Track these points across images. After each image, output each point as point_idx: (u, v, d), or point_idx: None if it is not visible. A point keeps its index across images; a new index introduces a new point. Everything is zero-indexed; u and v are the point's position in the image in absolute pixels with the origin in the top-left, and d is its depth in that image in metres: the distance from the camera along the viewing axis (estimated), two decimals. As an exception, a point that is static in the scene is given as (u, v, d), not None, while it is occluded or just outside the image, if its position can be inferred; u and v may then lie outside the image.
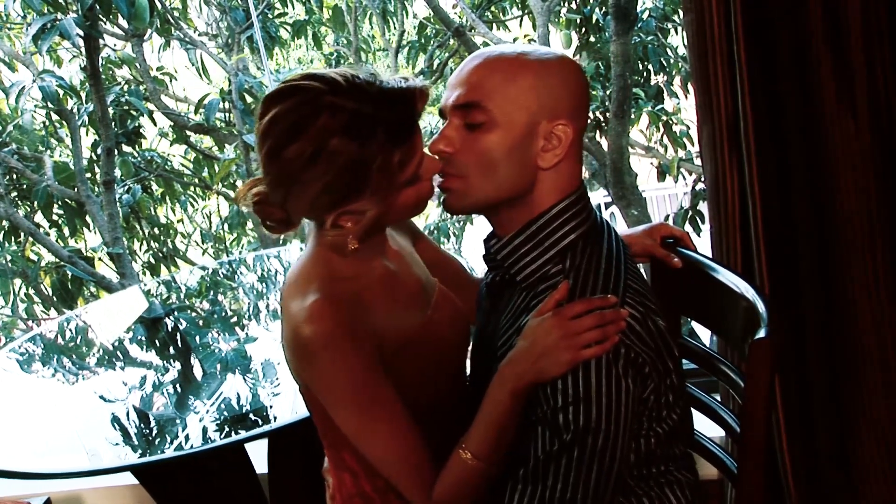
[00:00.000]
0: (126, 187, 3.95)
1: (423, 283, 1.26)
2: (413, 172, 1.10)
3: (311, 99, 1.06)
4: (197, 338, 2.33)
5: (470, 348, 1.31)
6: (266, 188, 1.12)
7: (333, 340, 1.07)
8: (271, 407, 1.78)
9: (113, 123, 3.69)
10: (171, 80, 4.25)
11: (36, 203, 3.78)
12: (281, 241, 3.05)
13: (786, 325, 1.70)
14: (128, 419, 1.83)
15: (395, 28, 4.61)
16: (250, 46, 4.06)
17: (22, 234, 3.89)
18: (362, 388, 1.09)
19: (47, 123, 4.09)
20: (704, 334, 2.43)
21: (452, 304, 1.28)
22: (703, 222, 3.39)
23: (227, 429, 1.70)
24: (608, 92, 3.67)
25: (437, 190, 1.16)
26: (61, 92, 3.50)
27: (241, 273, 2.94)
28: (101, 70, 3.58)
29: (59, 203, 3.86)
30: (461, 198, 1.13)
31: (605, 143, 3.70)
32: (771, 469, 1.78)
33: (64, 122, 3.88)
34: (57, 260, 3.79)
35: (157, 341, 2.33)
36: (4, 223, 3.86)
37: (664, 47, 3.83)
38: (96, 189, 3.82)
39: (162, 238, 4.35)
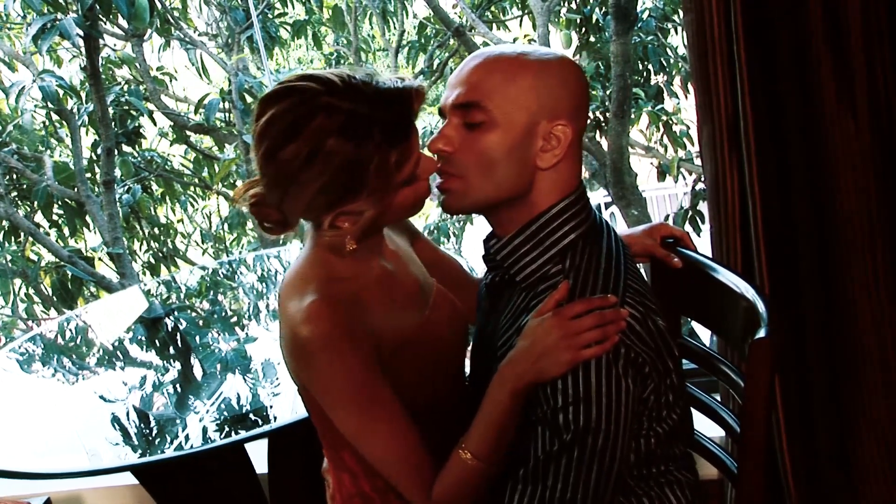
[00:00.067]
0: (126, 187, 3.95)
1: (420, 283, 1.27)
2: (410, 172, 1.11)
3: (308, 100, 1.06)
4: (197, 338, 2.33)
5: (470, 348, 1.31)
6: (263, 189, 1.12)
7: (331, 341, 1.07)
8: (271, 407, 1.78)
9: (113, 123, 3.69)
10: (171, 80, 4.25)
11: (36, 203, 3.78)
12: (281, 241, 3.05)
13: (786, 325, 1.71)
14: (128, 419, 1.83)
15: (395, 28, 4.61)
16: (250, 46, 4.06)
17: (22, 234, 3.89)
18: (361, 389, 1.09)
19: (47, 123, 4.09)
20: (704, 334, 2.43)
21: (451, 304, 1.28)
22: (703, 222, 3.39)
23: (227, 429, 1.70)
24: (608, 92, 3.67)
25: (436, 190, 1.16)
26: (61, 92, 3.50)
27: (241, 273, 2.94)
28: (101, 70, 3.58)
29: (59, 203, 3.86)
30: (460, 198, 1.13)
31: (605, 143, 3.70)
32: (771, 469, 1.78)
33: (64, 122, 3.88)
34: (57, 260, 3.79)
35: (157, 341, 2.33)
36: (4, 223, 3.86)
37: (664, 47, 3.83)
38: (96, 189, 3.82)
39: (162, 238, 4.35)
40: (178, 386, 2.04)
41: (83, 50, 3.44)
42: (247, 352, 2.10)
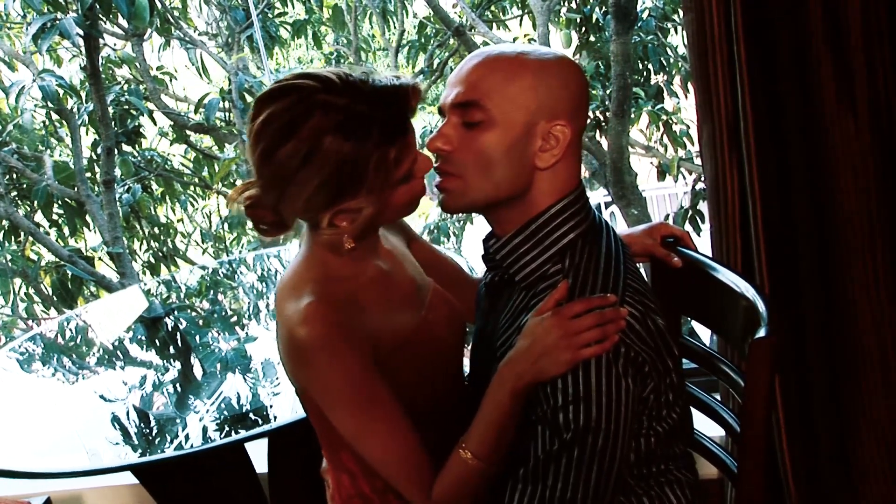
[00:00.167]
0: (126, 187, 3.95)
1: (417, 283, 1.26)
2: (408, 170, 1.11)
3: (305, 98, 1.06)
4: (197, 337, 2.33)
5: (469, 348, 1.31)
6: (258, 191, 1.12)
7: (329, 342, 1.07)
8: (271, 406, 1.78)
9: (113, 123, 3.69)
10: (171, 80, 4.24)
11: (36, 202, 3.78)
12: (281, 241, 3.05)
13: (786, 325, 1.71)
14: (128, 419, 1.83)
15: (395, 27, 4.61)
16: (250, 46, 4.06)
17: (22, 233, 3.89)
18: (359, 389, 1.08)
19: (47, 123, 4.09)
20: (704, 333, 2.43)
21: (448, 304, 1.28)
22: (703, 222, 3.39)
23: (227, 428, 1.70)
24: (608, 91, 3.67)
25: (435, 189, 1.16)
26: (61, 91, 3.49)
27: (241, 272, 2.94)
28: (101, 69, 3.58)
29: (59, 202, 3.86)
30: (458, 197, 1.13)
31: (605, 143, 3.70)
32: (771, 469, 1.78)
33: (64, 122, 3.88)
34: (57, 259, 3.79)
35: (157, 341, 2.33)
36: (4, 223, 3.86)
37: (664, 47, 3.83)
38: (96, 188, 3.82)
39: (162, 237, 4.35)
40: (178, 385, 2.04)
41: (83, 49, 3.43)
42: (247, 351, 2.10)
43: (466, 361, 1.32)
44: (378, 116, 1.06)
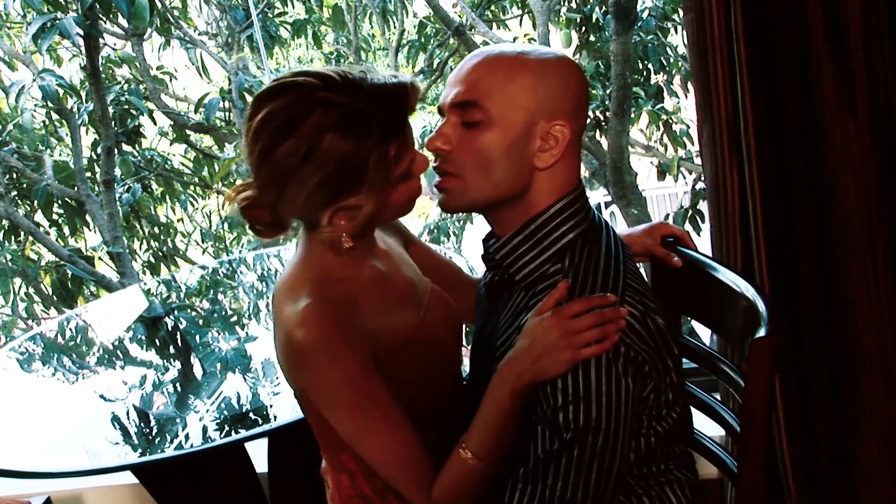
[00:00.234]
0: (126, 186, 3.95)
1: (414, 284, 1.26)
2: (407, 168, 1.11)
3: (305, 95, 1.06)
4: (197, 337, 2.33)
5: (469, 349, 1.31)
6: (256, 191, 1.11)
7: (327, 343, 1.07)
8: (271, 406, 1.78)
9: (113, 123, 3.69)
10: (171, 80, 4.24)
11: (36, 202, 3.78)
12: (281, 241, 3.05)
13: (786, 325, 1.71)
14: (128, 418, 1.83)
15: (395, 27, 4.61)
16: (250, 45, 4.06)
17: (22, 233, 3.89)
18: (358, 390, 1.08)
19: (47, 122, 4.09)
20: (705, 333, 2.43)
21: (446, 304, 1.28)
22: (703, 221, 3.39)
23: (227, 428, 1.70)
24: (608, 91, 3.67)
25: (434, 189, 1.16)
26: (61, 91, 3.49)
27: (241, 272, 2.94)
28: (101, 69, 3.58)
29: (59, 202, 3.86)
30: (457, 197, 1.13)
31: (605, 143, 3.70)
32: (771, 469, 1.78)
33: (64, 122, 3.88)
34: (57, 259, 3.79)
35: (157, 340, 2.33)
36: (4, 222, 3.86)
37: (664, 46, 3.83)
38: (96, 188, 3.82)
39: (162, 237, 4.35)
40: (178, 385, 2.04)
41: (83, 49, 3.43)
42: (247, 351, 2.10)
43: (465, 361, 1.32)
44: (378, 114, 1.06)
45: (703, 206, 3.34)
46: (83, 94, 3.79)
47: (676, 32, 3.88)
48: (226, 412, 1.77)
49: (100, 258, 4.01)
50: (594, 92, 3.76)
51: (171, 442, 1.70)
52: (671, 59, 3.88)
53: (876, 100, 1.58)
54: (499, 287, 1.18)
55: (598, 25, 3.82)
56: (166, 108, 4.04)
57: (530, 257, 1.11)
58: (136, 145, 4.02)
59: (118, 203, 3.81)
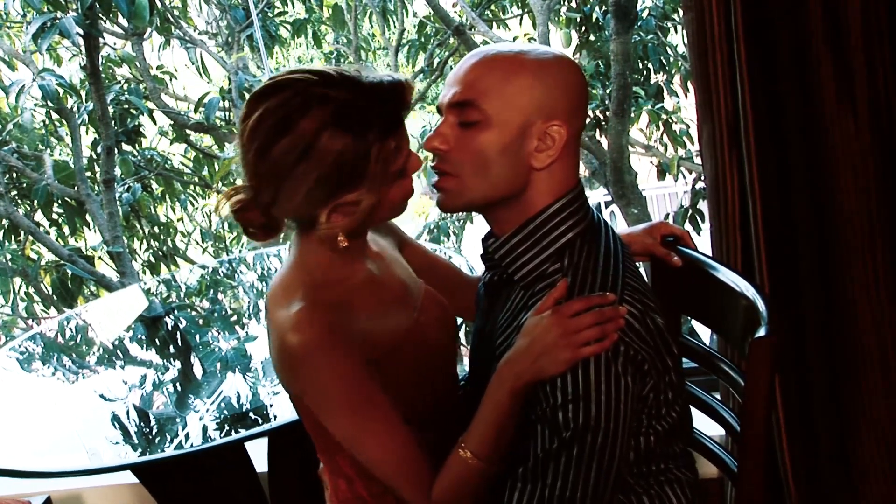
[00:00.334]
0: (126, 186, 3.95)
1: (407, 286, 1.26)
2: (403, 163, 1.11)
3: (301, 91, 1.05)
4: (197, 336, 2.33)
5: (469, 349, 1.31)
6: (250, 193, 1.11)
7: (321, 347, 1.06)
8: (271, 406, 1.78)
9: (113, 122, 3.69)
10: (170, 79, 4.24)
11: (36, 202, 3.78)
12: (281, 240, 3.05)
13: (786, 325, 1.70)
14: (128, 418, 1.84)
15: (395, 26, 4.61)
16: (250, 45, 4.06)
17: (22, 232, 3.89)
18: (353, 392, 1.08)
19: (47, 122, 4.09)
20: (705, 333, 2.43)
21: (440, 306, 1.27)
22: (703, 221, 3.39)
23: (227, 428, 1.70)
24: (608, 91, 3.67)
25: (432, 188, 1.16)
26: (61, 91, 3.49)
27: (240, 272, 2.94)
28: (100, 69, 3.58)
29: (59, 202, 3.86)
30: (455, 197, 1.13)
31: (605, 142, 3.70)
32: (771, 468, 1.78)
33: (64, 121, 3.88)
34: (57, 259, 3.79)
35: (157, 340, 2.33)
36: (4, 222, 3.86)
37: (664, 46, 3.83)
38: (96, 188, 3.82)
39: (162, 237, 4.35)
40: (178, 385, 2.05)
41: (83, 49, 3.43)
42: (247, 350, 2.10)
43: (464, 362, 1.32)
44: (377, 110, 1.06)
45: (703, 205, 3.34)
46: (83, 93, 3.79)
47: (676, 32, 3.88)
48: (226, 412, 1.77)
49: (100, 258, 4.01)
50: (594, 91, 3.76)
51: (171, 442, 1.70)
52: (671, 59, 3.88)
53: (876, 100, 1.58)
54: (498, 286, 1.18)
55: (598, 25, 3.82)
56: (166, 108, 4.04)
57: (529, 257, 1.11)
58: (136, 145, 4.02)
59: (118, 203, 3.81)
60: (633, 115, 3.70)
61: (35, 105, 3.86)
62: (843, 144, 1.60)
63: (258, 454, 1.76)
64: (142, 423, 1.81)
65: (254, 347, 2.11)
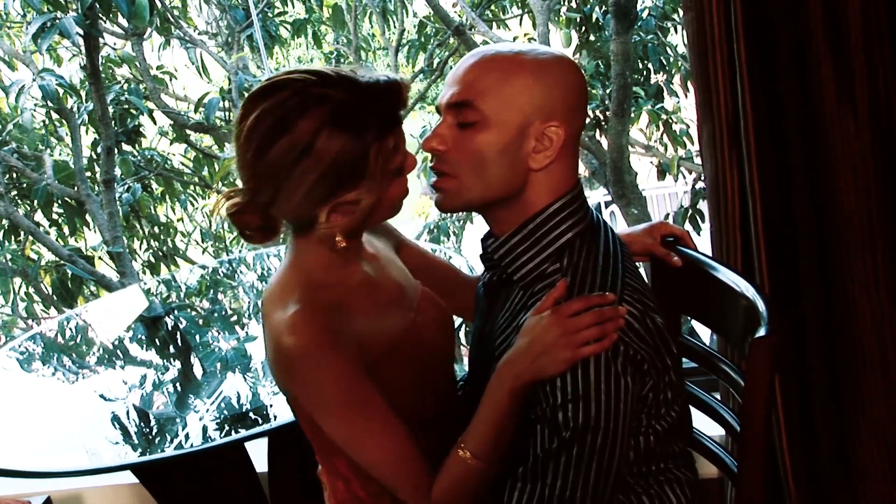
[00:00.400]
0: (126, 186, 3.95)
1: (403, 287, 1.25)
2: (401, 161, 1.11)
3: (299, 91, 1.05)
4: (197, 337, 2.33)
5: (468, 349, 1.31)
6: (247, 195, 1.10)
7: (317, 349, 1.06)
8: (271, 406, 1.78)
9: (113, 122, 3.69)
10: (170, 79, 4.24)
11: (36, 202, 3.78)
12: (281, 240, 3.05)
13: (786, 325, 1.70)
14: (128, 418, 1.84)
15: (395, 27, 4.61)
16: (250, 45, 4.06)
17: (22, 232, 3.89)
18: (349, 393, 1.08)
19: (47, 122, 4.09)
20: (705, 333, 2.43)
21: (436, 306, 1.27)
22: (703, 221, 3.39)
23: (227, 428, 1.70)
24: (608, 91, 3.67)
25: (431, 188, 1.16)
26: (61, 91, 3.49)
27: (240, 272, 2.94)
28: (100, 69, 3.58)
29: (59, 202, 3.86)
30: (453, 197, 1.13)
31: (604, 142, 3.70)
32: (771, 468, 1.78)
33: (64, 121, 3.88)
34: (57, 259, 3.79)
35: (157, 340, 2.33)
36: (4, 222, 3.86)
37: (664, 46, 3.83)
38: (96, 188, 3.82)
39: (162, 237, 4.35)
40: (178, 385, 2.05)
41: (83, 49, 3.43)
42: (247, 350, 2.10)
43: (463, 362, 1.32)
44: (374, 108, 1.06)
45: (703, 205, 3.34)
46: (83, 93, 3.79)
47: (676, 32, 3.88)
48: (226, 412, 1.77)
49: (100, 258, 4.01)
50: (594, 91, 3.76)
51: (171, 442, 1.70)
52: (671, 59, 3.88)
53: (876, 100, 1.58)
54: (497, 287, 1.18)
55: (598, 25, 3.82)
56: (166, 108, 4.04)
57: (528, 257, 1.11)
58: (136, 145, 4.02)
59: (118, 203, 3.81)
60: (633, 115, 3.70)
61: (35, 105, 3.86)
62: (843, 144, 1.60)
63: (258, 454, 1.76)
64: (142, 423, 1.81)
65: (254, 347, 2.11)
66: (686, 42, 1.77)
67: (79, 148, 3.75)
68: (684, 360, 1.35)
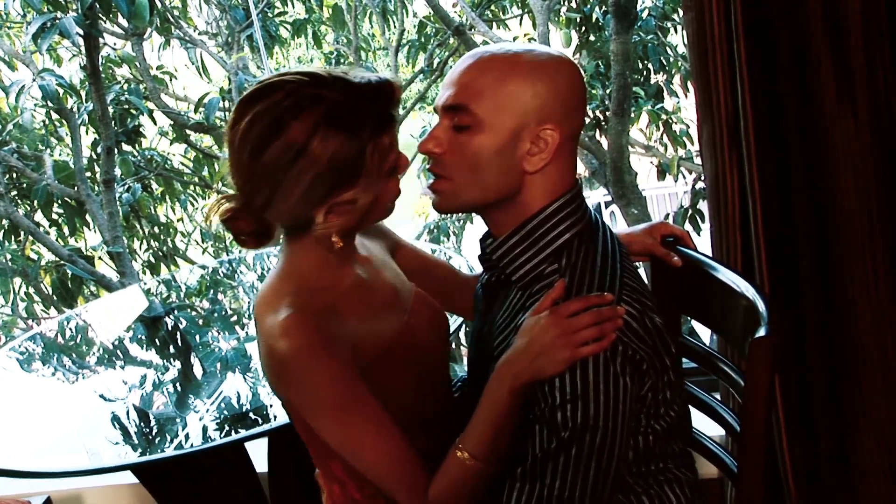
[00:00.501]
0: (126, 186, 3.96)
1: (396, 289, 1.25)
2: (395, 160, 1.11)
3: (293, 92, 1.05)
4: (197, 337, 2.33)
5: (467, 350, 1.31)
6: (241, 199, 1.10)
7: (310, 353, 1.06)
8: (271, 406, 1.78)
9: (113, 122, 3.69)
10: (170, 79, 4.25)
11: (36, 202, 3.78)
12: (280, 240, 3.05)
13: (786, 325, 1.70)
14: (128, 418, 1.84)
15: (395, 27, 4.61)
16: (250, 45, 4.06)
17: (22, 232, 3.89)
18: (343, 395, 1.07)
19: (47, 122, 4.09)
20: (704, 333, 2.43)
21: (430, 308, 1.27)
22: (703, 221, 3.40)
23: (226, 428, 1.70)
24: (608, 91, 3.67)
25: (428, 190, 1.16)
26: (61, 91, 3.50)
27: (240, 272, 2.94)
28: (100, 69, 3.58)
29: (59, 202, 3.86)
30: (449, 199, 1.13)
31: (605, 142, 3.70)
32: (771, 468, 1.78)
33: (64, 121, 3.89)
34: (57, 259, 3.79)
35: (157, 340, 2.33)
36: (4, 222, 3.87)
37: (664, 46, 3.83)
38: (96, 188, 3.82)
39: (162, 237, 4.35)
40: (178, 385, 2.05)
41: (83, 49, 3.44)
42: (247, 350, 2.10)
43: (462, 363, 1.32)
44: (368, 108, 1.06)
45: (703, 205, 3.34)
46: (83, 93, 3.79)
47: (676, 32, 3.89)
48: (226, 412, 1.77)
49: (100, 258, 4.01)
50: (594, 91, 3.76)
51: (171, 442, 1.70)
52: (671, 59, 3.88)
53: (876, 100, 1.58)
54: (496, 287, 1.18)
55: (598, 25, 3.82)
56: (166, 108, 4.04)
57: (527, 257, 1.11)
58: (136, 145, 4.02)
59: (118, 203, 3.81)
60: (633, 115, 3.70)
61: (35, 105, 3.86)
62: (843, 144, 1.60)
63: (258, 454, 1.76)
64: (142, 423, 1.81)
65: (254, 347, 2.10)
66: (686, 42, 1.77)
67: (79, 148, 3.75)
68: (684, 360, 1.36)
